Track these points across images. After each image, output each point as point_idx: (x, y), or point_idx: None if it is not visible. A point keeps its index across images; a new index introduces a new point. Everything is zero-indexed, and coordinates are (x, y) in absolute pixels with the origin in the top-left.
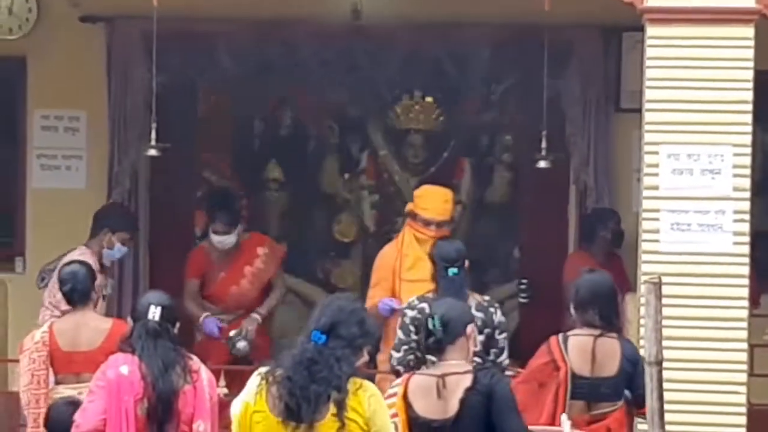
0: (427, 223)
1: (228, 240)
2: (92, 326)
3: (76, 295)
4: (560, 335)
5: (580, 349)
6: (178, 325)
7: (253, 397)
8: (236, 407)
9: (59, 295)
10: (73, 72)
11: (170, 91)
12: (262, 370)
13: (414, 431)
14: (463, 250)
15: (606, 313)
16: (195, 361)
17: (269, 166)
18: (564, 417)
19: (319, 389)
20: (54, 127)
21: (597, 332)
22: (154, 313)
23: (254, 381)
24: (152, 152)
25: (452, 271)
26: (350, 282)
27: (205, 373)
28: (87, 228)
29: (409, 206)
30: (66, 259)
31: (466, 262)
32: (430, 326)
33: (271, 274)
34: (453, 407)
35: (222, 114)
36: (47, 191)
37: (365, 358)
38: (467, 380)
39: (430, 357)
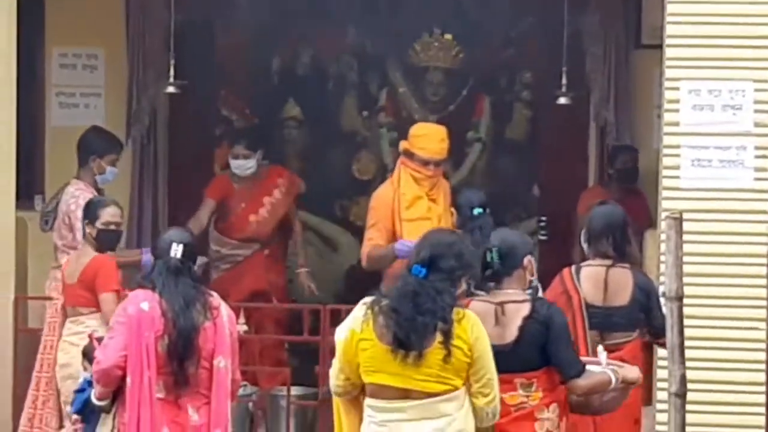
0: (425, 163)
1: (248, 164)
2: (81, 261)
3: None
4: (573, 266)
5: (592, 278)
6: (198, 262)
7: (360, 325)
8: (341, 334)
9: (69, 235)
10: (92, 9)
11: (189, 28)
12: (368, 299)
13: None
14: (485, 198)
15: (619, 243)
16: (215, 298)
17: (288, 104)
18: (600, 348)
19: (425, 320)
20: (72, 65)
21: (609, 262)
22: (176, 250)
23: (360, 310)
24: (171, 89)
25: (478, 210)
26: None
27: (225, 310)
28: None
29: (404, 144)
30: (64, 196)
31: (487, 210)
32: (488, 258)
33: (288, 206)
34: (511, 334)
35: (240, 52)
36: (66, 129)
37: (463, 287)
38: (525, 309)
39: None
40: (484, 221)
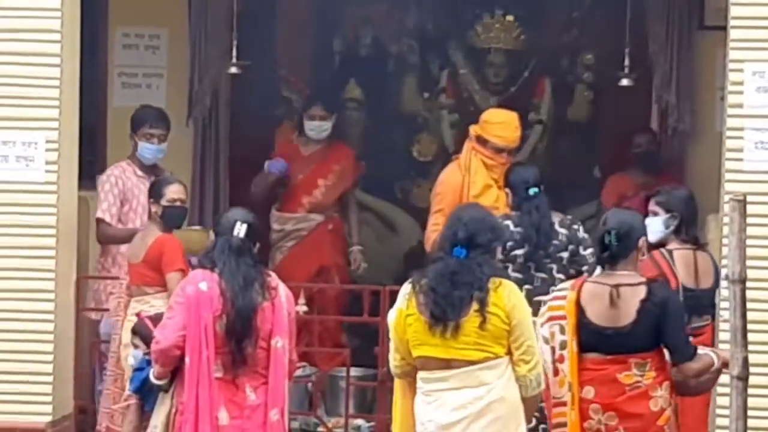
0: (499, 150)
1: (324, 126)
2: (144, 240)
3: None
4: (662, 249)
5: (685, 262)
6: (258, 246)
7: (405, 302)
8: (392, 315)
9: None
10: None
11: (251, 9)
12: (412, 276)
13: (584, 336)
14: (539, 174)
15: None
16: (273, 278)
17: (349, 85)
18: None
19: (461, 293)
20: (135, 45)
21: (693, 246)
22: (240, 230)
23: (405, 288)
24: (233, 70)
25: (534, 190)
26: (429, 202)
27: (283, 290)
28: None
29: (476, 130)
30: (103, 177)
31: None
32: (606, 240)
33: (348, 186)
34: (628, 316)
35: (302, 33)
36: (128, 109)
37: (499, 256)
38: (641, 291)
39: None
40: (541, 200)
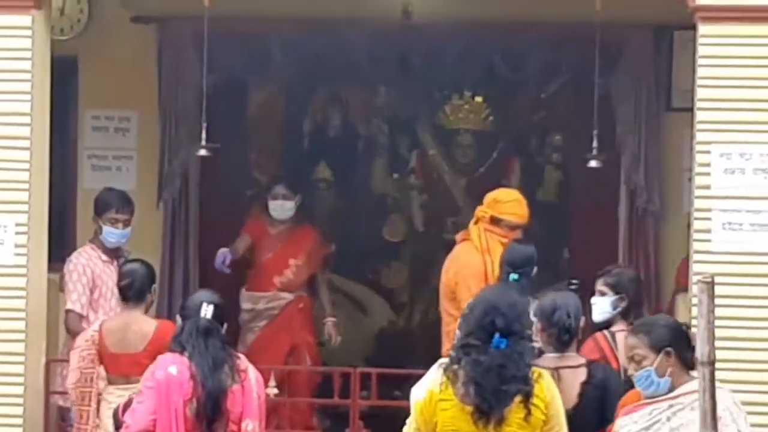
0: (513, 228)
1: (287, 205)
2: (137, 329)
3: (131, 292)
4: (606, 331)
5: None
6: (225, 325)
7: (438, 387)
8: (419, 394)
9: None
10: (124, 72)
11: (221, 90)
12: (444, 362)
13: None
14: (533, 256)
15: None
16: (242, 360)
17: (319, 166)
18: None
19: (509, 387)
20: (105, 128)
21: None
22: (206, 311)
23: (436, 372)
24: (203, 152)
25: (513, 276)
26: (399, 282)
27: (252, 373)
28: (136, 229)
29: (486, 211)
30: (70, 266)
31: (534, 269)
32: (567, 324)
33: (313, 270)
34: (570, 399)
35: (272, 114)
36: (98, 192)
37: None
38: (582, 374)
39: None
40: (519, 287)
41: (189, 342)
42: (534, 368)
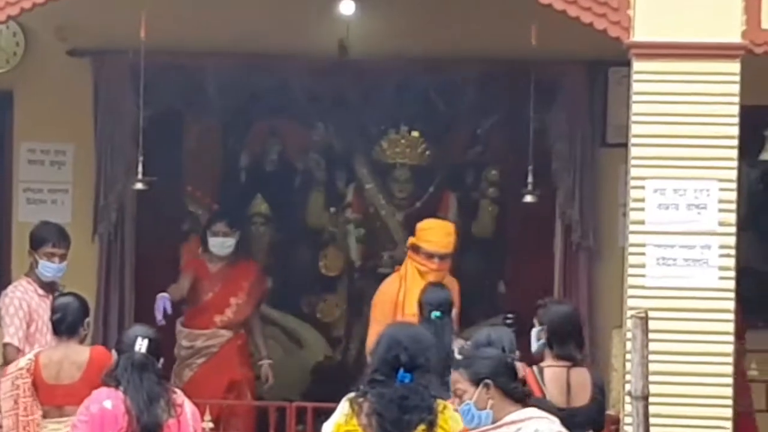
0: (430, 256)
1: (228, 242)
2: (72, 359)
3: (64, 326)
4: (534, 367)
5: (556, 380)
6: (161, 361)
7: (344, 418)
8: (328, 427)
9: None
10: (60, 105)
11: (157, 124)
12: (351, 395)
13: None
14: (450, 299)
15: (580, 344)
16: (179, 395)
17: (255, 200)
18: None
19: (411, 417)
20: (40, 161)
21: (569, 363)
22: (141, 345)
23: (344, 406)
24: (139, 186)
25: (435, 314)
26: (336, 316)
27: (188, 407)
28: (72, 262)
29: (411, 240)
30: (6, 300)
31: (454, 311)
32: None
33: (254, 305)
34: None
35: (208, 147)
36: (33, 225)
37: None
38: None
39: None
40: (443, 325)
41: (124, 376)
42: (439, 400)
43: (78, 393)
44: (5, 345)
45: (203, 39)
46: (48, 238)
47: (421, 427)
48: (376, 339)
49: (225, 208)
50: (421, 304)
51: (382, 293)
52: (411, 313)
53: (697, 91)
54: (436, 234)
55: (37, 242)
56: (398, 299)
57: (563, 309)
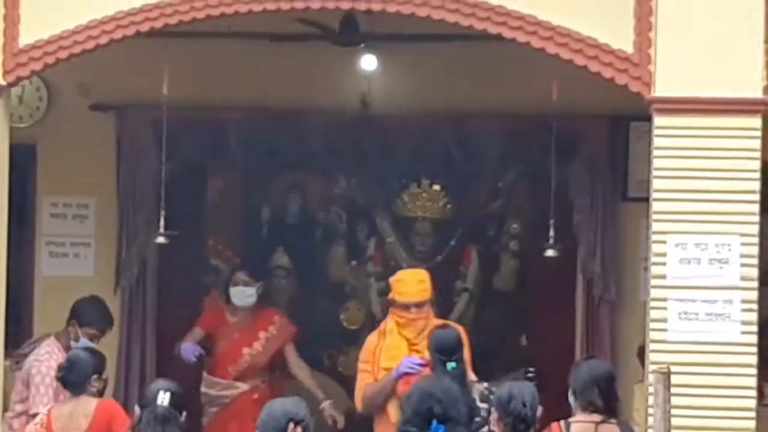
0: (405, 307)
1: (248, 292)
2: (81, 411)
3: (70, 382)
4: (562, 422)
5: None
6: (185, 414)
7: None
8: None
9: (25, 392)
10: (83, 160)
11: (179, 178)
12: None
13: None
14: (458, 338)
15: (606, 394)
16: None
17: (277, 253)
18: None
19: None
20: (63, 215)
21: (598, 418)
22: (163, 398)
23: None
24: (161, 240)
25: (451, 366)
26: (357, 369)
27: None
28: None
29: (390, 294)
30: (42, 368)
31: (465, 350)
32: (523, 414)
33: (280, 348)
34: None
35: (230, 201)
36: (55, 279)
37: None
38: None
39: None
40: (459, 375)
41: (147, 430)
42: None
43: None
44: (34, 415)
45: (225, 93)
46: (95, 323)
47: None
48: (407, 392)
49: (246, 261)
50: (431, 353)
51: (365, 346)
52: (384, 367)
53: (719, 146)
54: (407, 284)
55: (84, 320)
56: (375, 355)
57: (587, 362)
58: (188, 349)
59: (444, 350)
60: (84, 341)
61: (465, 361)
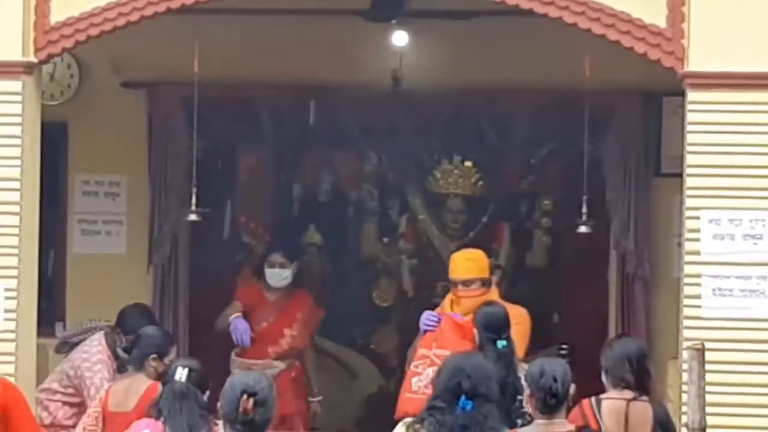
0: (455, 284)
1: (284, 273)
2: (135, 389)
3: (130, 356)
4: (593, 398)
5: (613, 412)
6: (207, 393)
7: None
8: None
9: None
10: (114, 137)
11: (210, 155)
12: (408, 420)
13: None
14: (506, 316)
15: (637, 371)
16: (220, 427)
17: (308, 231)
18: None
19: None
20: (94, 192)
21: (630, 395)
22: (181, 374)
23: (400, 430)
24: (192, 217)
25: (501, 344)
26: (389, 347)
27: None
28: (127, 294)
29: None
30: (86, 344)
31: (522, 329)
32: (554, 389)
33: (315, 327)
34: None
35: (261, 178)
36: (87, 256)
37: None
38: None
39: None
40: (509, 353)
41: (165, 406)
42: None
43: (129, 421)
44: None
45: (256, 71)
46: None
47: None
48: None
49: (278, 239)
50: (480, 329)
51: None
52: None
53: (752, 121)
54: (455, 261)
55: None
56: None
57: (618, 339)
58: (240, 328)
59: (492, 328)
60: (120, 351)
61: (512, 338)
